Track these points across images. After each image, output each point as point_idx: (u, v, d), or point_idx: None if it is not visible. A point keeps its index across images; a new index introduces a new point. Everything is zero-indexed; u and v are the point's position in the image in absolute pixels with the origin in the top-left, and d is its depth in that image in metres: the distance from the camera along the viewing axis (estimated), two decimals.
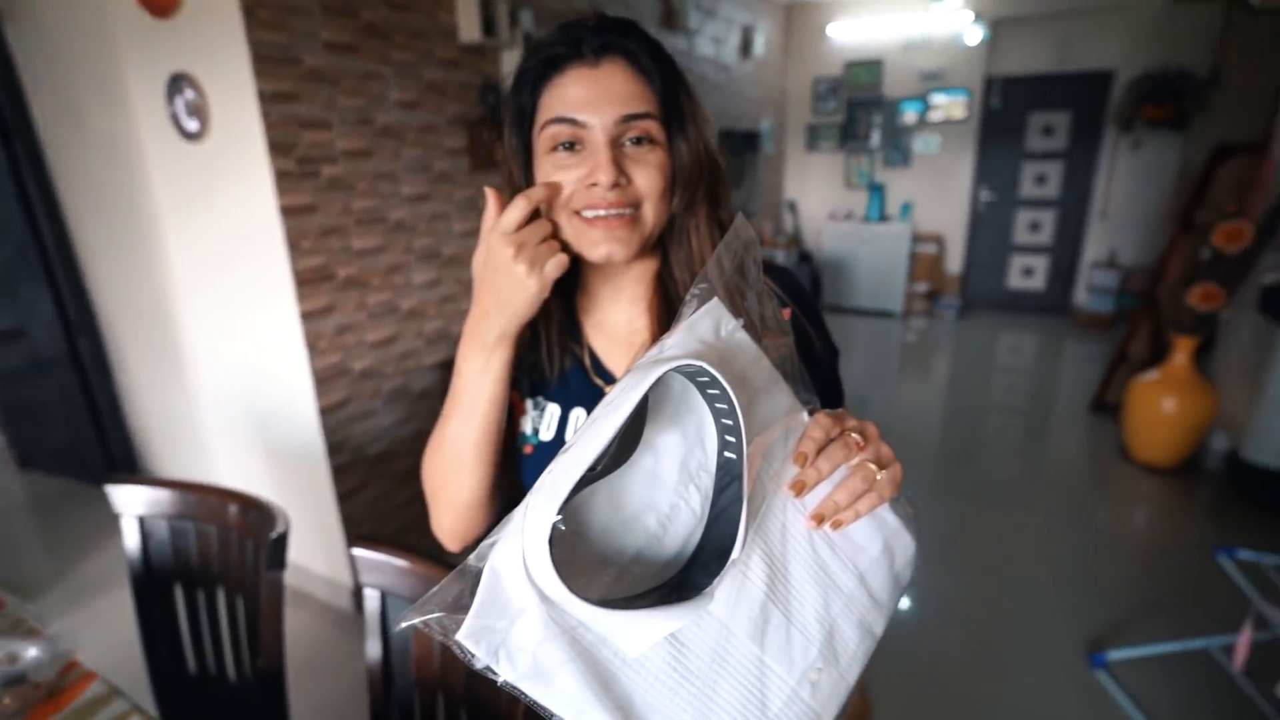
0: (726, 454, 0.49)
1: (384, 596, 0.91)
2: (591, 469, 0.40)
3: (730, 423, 0.46)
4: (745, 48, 4.81)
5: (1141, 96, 4.75)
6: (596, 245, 0.63)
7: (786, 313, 0.71)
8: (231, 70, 1.70)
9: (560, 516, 0.39)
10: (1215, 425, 2.88)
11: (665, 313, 0.70)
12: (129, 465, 3.04)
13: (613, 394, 0.44)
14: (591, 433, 0.42)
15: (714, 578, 0.45)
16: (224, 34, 1.67)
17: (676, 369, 0.44)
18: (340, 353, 2.01)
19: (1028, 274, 5.70)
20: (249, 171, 1.79)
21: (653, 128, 0.63)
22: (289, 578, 2.01)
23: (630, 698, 0.40)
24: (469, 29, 2.23)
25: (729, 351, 0.51)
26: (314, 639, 2.08)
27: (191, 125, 1.83)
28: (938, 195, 5.70)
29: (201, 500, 1.11)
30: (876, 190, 5.73)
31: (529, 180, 0.67)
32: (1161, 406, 2.86)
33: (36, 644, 0.90)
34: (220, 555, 1.12)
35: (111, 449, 3.01)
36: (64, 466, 3.17)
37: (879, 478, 0.50)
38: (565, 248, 0.65)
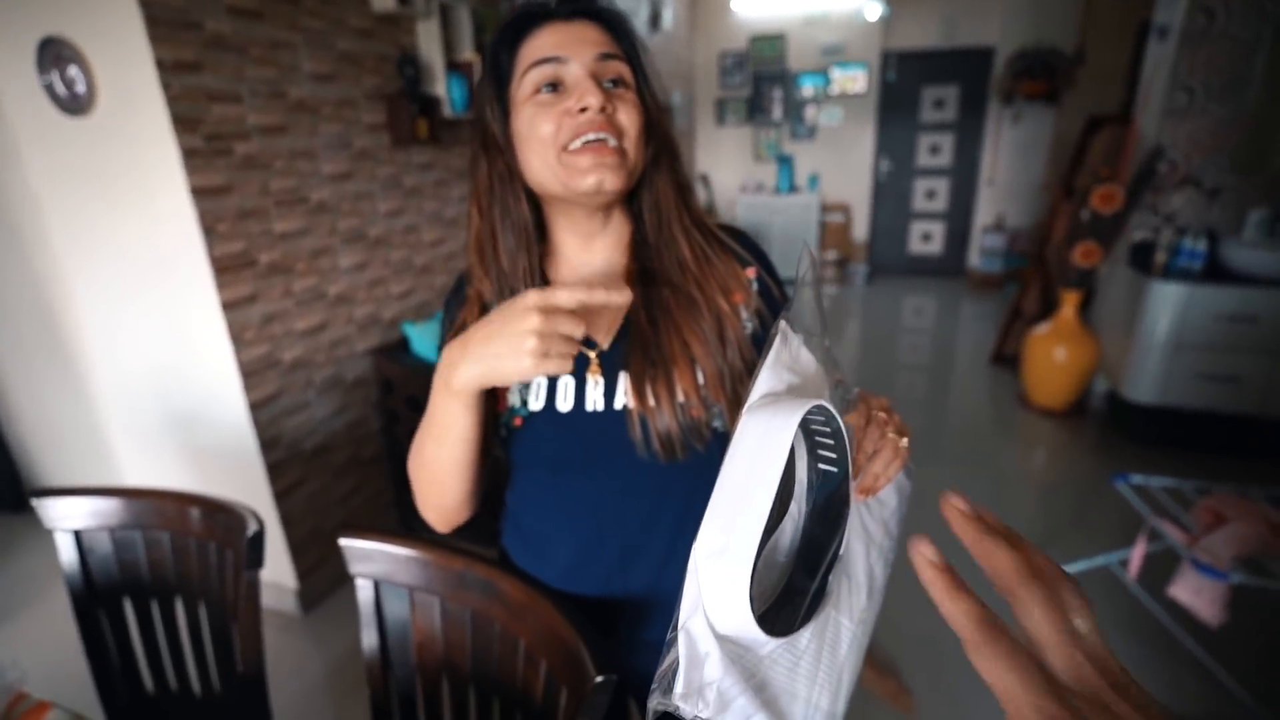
0: (822, 467, 0.52)
1: (377, 584, 0.89)
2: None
3: (829, 440, 0.50)
4: (654, 20, 4.81)
5: (1019, 72, 5.15)
6: (587, 174, 0.64)
7: (751, 271, 0.75)
8: (120, 34, 1.53)
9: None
10: (1098, 370, 3.22)
11: (641, 272, 0.72)
12: (10, 480, 2.73)
13: (744, 446, 0.45)
14: (749, 492, 0.42)
15: (815, 576, 0.49)
16: None
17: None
18: (268, 343, 1.89)
19: (926, 239, 6.09)
20: (149, 149, 1.63)
21: (625, 72, 0.67)
22: None
23: (766, 685, 0.44)
24: None
25: (803, 368, 0.54)
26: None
27: (72, 97, 1.63)
28: (842, 166, 5.96)
29: (156, 507, 1.02)
30: (785, 163, 5.92)
31: (508, 138, 0.68)
32: (1054, 356, 3.16)
33: None
34: (177, 563, 1.04)
35: None
36: None
37: (901, 445, 0.57)
38: (538, 212, 0.72)
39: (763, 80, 5.92)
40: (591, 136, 0.63)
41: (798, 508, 0.54)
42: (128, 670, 1.09)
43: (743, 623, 0.40)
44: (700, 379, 0.69)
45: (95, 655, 1.06)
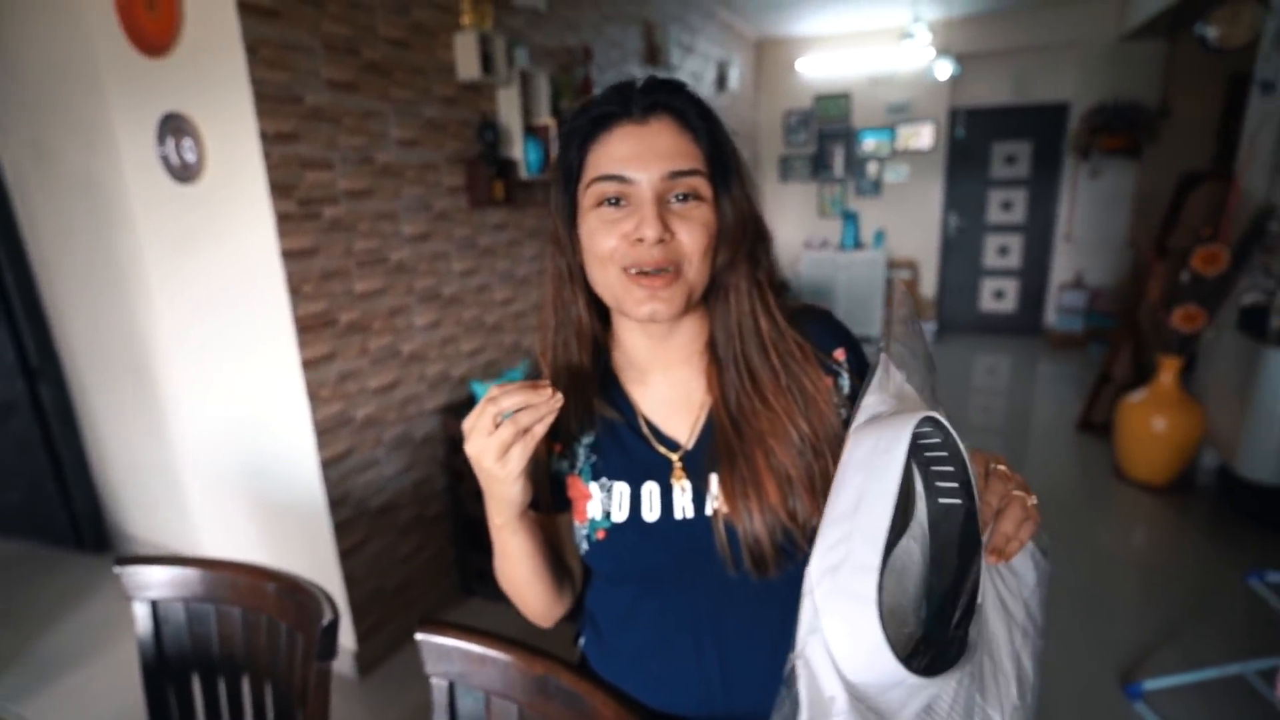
0: (943, 500, 0.49)
1: (452, 686, 0.83)
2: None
3: (947, 466, 0.47)
4: (721, 82, 4.90)
5: (1097, 127, 4.98)
6: (641, 304, 0.62)
7: (840, 353, 0.71)
8: (231, 110, 1.62)
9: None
10: (1204, 442, 2.95)
11: (717, 373, 0.68)
12: (95, 525, 2.83)
13: (854, 460, 0.43)
14: (866, 504, 0.40)
15: (950, 627, 0.45)
16: (223, 73, 1.59)
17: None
18: (342, 401, 1.91)
19: (999, 296, 5.86)
20: (248, 214, 1.70)
21: (699, 184, 0.62)
22: None
23: None
24: (467, 66, 2.19)
25: (907, 399, 0.51)
26: None
27: (183, 166, 1.73)
28: (909, 222, 5.84)
29: (231, 580, 1.00)
30: (850, 219, 5.85)
31: (573, 237, 0.67)
32: (1151, 425, 2.92)
33: None
34: (247, 640, 1.01)
35: (75, 507, 2.80)
36: (23, 528, 2.93)
37: (1029, 504, 0.52)
38: (603, 314, 0.71)
39: (827, 137, 5.92)
40: (649, 269, 0.61)
41: (920, 546, 0.50)
42: None
43: (871, 647, 0.35)
44: (789, 483, 0.63)
45: None
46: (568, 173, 0.65)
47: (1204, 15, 3.05)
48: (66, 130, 2.11)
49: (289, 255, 1.71)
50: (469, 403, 2.36)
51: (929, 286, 5.91)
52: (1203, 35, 3.00)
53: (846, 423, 0.65)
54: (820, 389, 0.67)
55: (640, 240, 0.60)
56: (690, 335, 0.70)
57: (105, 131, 1.89)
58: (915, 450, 0.49)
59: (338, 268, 1.85)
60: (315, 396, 1.83)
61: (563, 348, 0.71)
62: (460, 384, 2.37)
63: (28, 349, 2.62)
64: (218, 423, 2.04)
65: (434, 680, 0.83)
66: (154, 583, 1.02)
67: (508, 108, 2.40)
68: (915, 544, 0.49)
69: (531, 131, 2.49)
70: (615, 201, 0.61)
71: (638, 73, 2.71)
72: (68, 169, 2.16)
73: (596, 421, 0.72)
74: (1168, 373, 2.92)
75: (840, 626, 0.37)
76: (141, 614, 1.02)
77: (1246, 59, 3.02)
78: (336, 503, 1.93)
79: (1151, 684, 1.80)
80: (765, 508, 0.62)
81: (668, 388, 0.72)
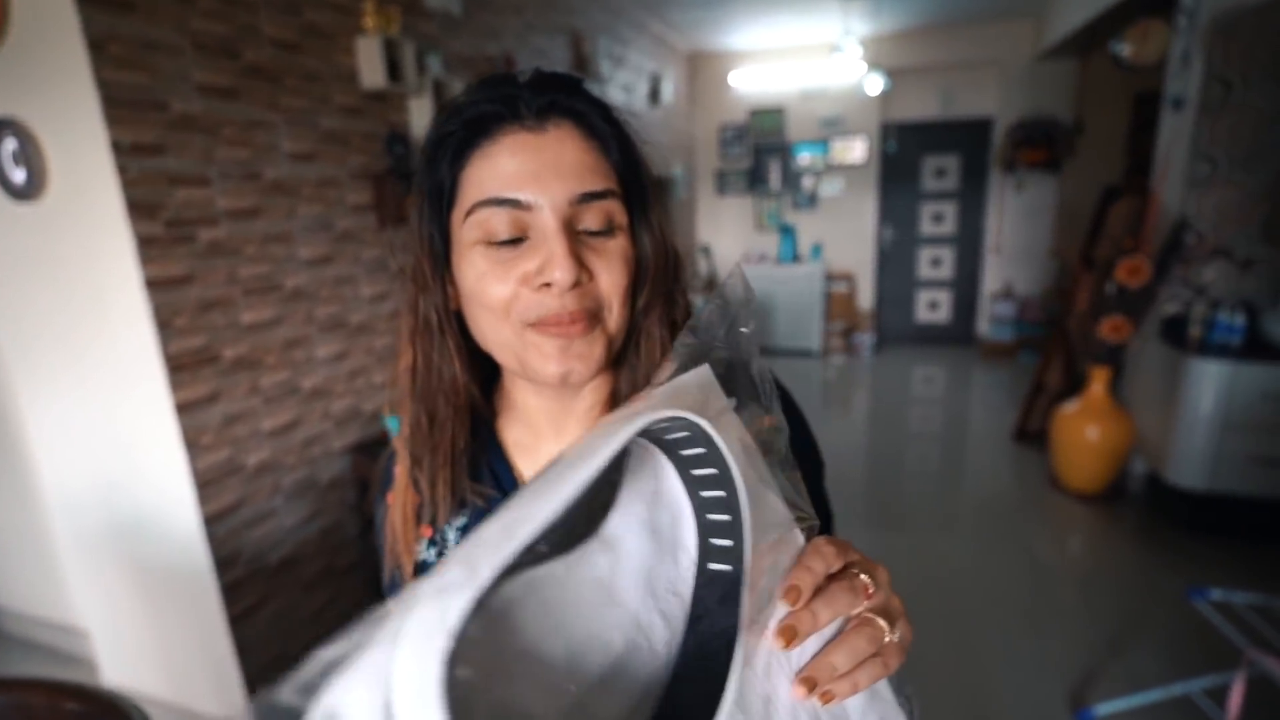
0: (713, 566, 0.35)
1: None
2: (532, 548, 0.25)
3: (727, 518, 0.33)
4: (654, 95, 4.83)
5: (1019, 141, 5.15)
6: (548, 362, 0.47)
7: (768, 420, 0.56)
8: (74, 116, 1.40)
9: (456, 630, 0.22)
10: (1135, 450, 3.00)
11: None
12: None
13: (567, 454, 0.29)
14: (532, 500, 0.25)
15: None
16: (63, 73, 1.37)
17: (658, 432, 0.30)
18: (229, 447, 1.68)
19: (933, 307, 5.97)
20: (101, 237, 1.47)
21: (614, 209, 0.48)
22: None
23: None
24: (371, 73, 2.01)
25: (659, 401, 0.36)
26: None
27: (20, 180, 1.49)
28: (845, 235, 5.90)
29: (21, 702, 0.79)
30: (788, 232, 5.86)
31: (444, 281, 0.50)
32: (1085, 435, 2.95)
33: None
34: None
35: None
36: None
37: (887, 640, 0.36)
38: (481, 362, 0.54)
39: (763, 151, 5.93)
40: (560, 317, 0.46)
41: (667, 631, 0.35)
42: None
43: (426, 700, 0.20)
44: None
45: None
46: (435, 195, 0.49)
47: (1116, 34, 3.15)
48: None
49: (155, 285, 1.49)
50: (382, 440, 2.15)
51: (866, 299, 5.98)
52: (1117, 53, 3.09)
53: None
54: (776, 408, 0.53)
55: (547, 285, 0.45)
56: (596, 395, 0.56)
57: None
58: (691, 489, 0.35)
59: (219, 297, 1.63)
60: (194, 444, 1.60)
61: (427, 421, 0.54)
62: (372, 419, 2.16)
63: None
64: (82, 477, 1.77)
65: None
66: None
67: (420, 119, 2.22)
68: (661, 620, 0.34)
69: None
70: (512, 241, 0.46)
71: None
72: None
73: (469, 501, 0.56)
74: (1098, 383, 2.95)
75: (406, 668, 0.21)
76: None
77: (1153, 77, 3.13)
78: (225, 562, 1.70)
79: (1103, 708, 1.75)
80: None
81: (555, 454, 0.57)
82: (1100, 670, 1.98)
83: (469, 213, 0.47)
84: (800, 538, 0.38)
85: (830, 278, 5.89)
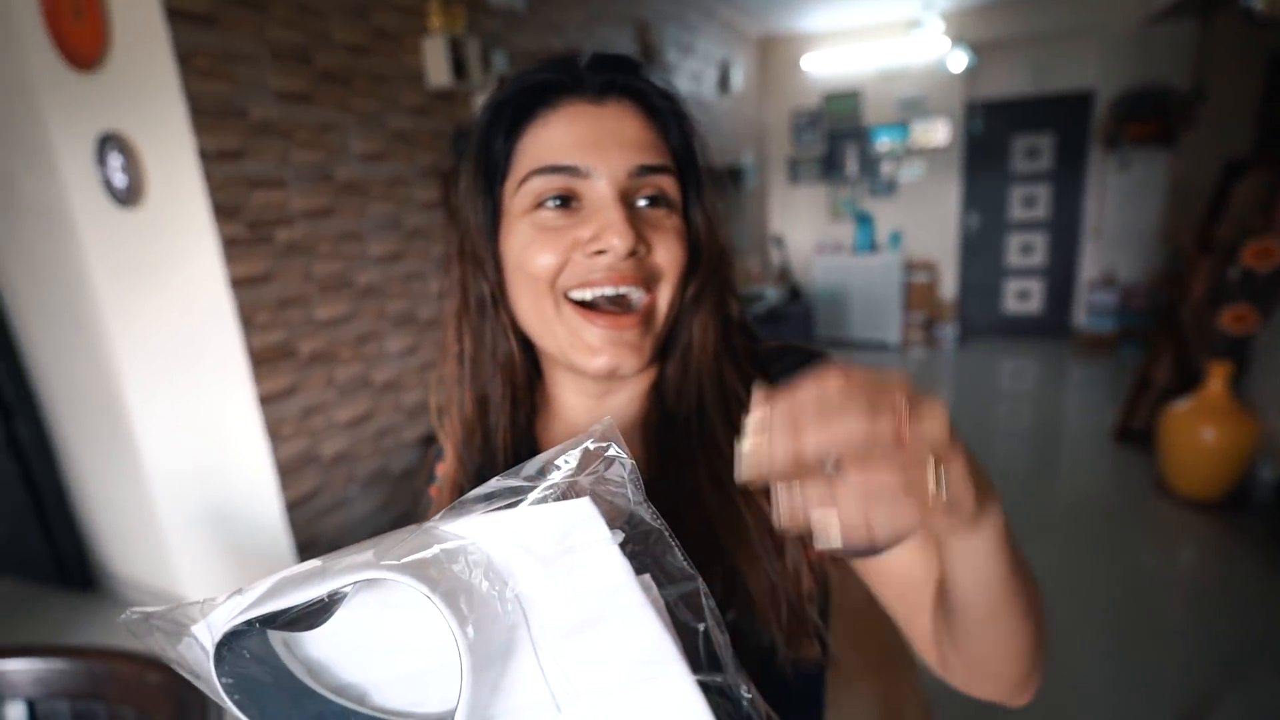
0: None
1: None
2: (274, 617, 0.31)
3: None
4: (723, 82, 4.73)
5: (1124, 115, 4.72)
6: (596, 353, 0.45)
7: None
8: (168, 127, 1.49)
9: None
10: (1261, 454, 2.70)
11: (662, 436, 0.49)
12: (79, 562, 2.73)
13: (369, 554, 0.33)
14: (305, 581, 0.32)
15: None
16: (156, 87, 1.46)
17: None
18: (307, 438, 1.76)
19: (1023, 297, 5.59)
20: (192, 239, 1.57)
21: (669, 186, 0.46)
22: None
23: None
24: (437, 73, 2.05)
25: (573, 567, 0.33)
26: None
27: (124, 190, 1.60)
28: (926, 222, 5.61)
29: (111, 671, 0.85)
30: (864, 221, 5.63)
31: (495, 256, 0.48)
32: (1200, 436, 2.67)
33: None
34: None
35: (59, 545, 2.69)
36: (5, 565, 2.84)
37: (930, 490, 0.26)
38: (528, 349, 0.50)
39: (838, 137, 5.72)
40: (610, 291, 0.44)
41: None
42: None
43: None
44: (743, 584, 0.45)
45: None
46: (490, 168, 0.48)
47: None
48: (16, 153, 2.00)
49: (238, 283, 1.57)
50: None
51: (949, 288, 5.67)
52: (1249, 6, 2.76)
53: None
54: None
55: (601, 253, 0.43)
56: (636, 392, 0.53)
57: (45, 153, 1.78)
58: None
59: (296, 294, 1.71)
60: (276, 434, 1.69)
61: (478, 409, 0.52)
62: None
63: (3, 387, 2.52)
64: (185, 462, 1.91)
65: None
66: (24, 681, 0.87)
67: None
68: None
69: None
70: (563, 202, 0.45)
71: None
72: (20, 193, 2.06)
73: None
74: (1217, 379, 2.67)
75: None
76: (14, 718, 0.87)
77: None
78: (304, 546, 1.79)
79: None
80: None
81: None
82: (1216, 697, 1.79)
83: (522, 181, 0.45)
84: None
85: (910, 267, 5.62)
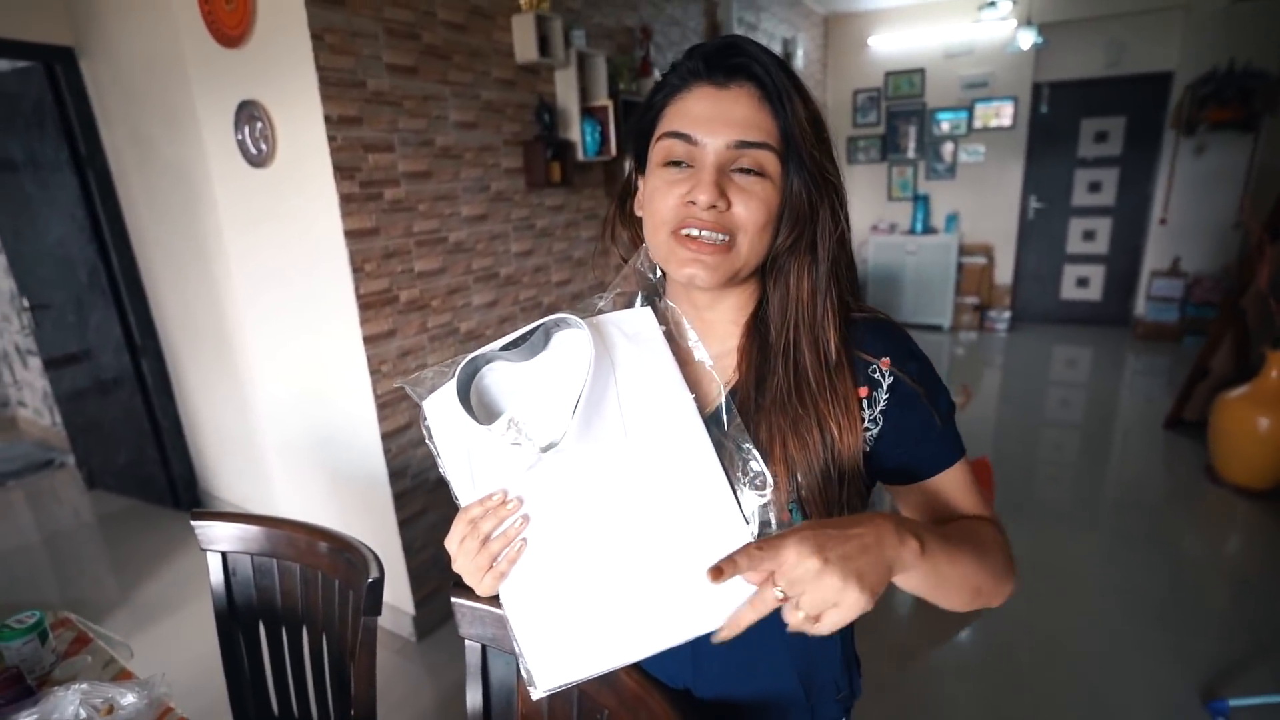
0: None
1: (484, 649, 0.85)
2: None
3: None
4: (787, 61, 4.76)
5: (1205, 97, 4.56)
6: (683, 265, 0.61)
7: (886, 362, 0.63)
8: (298, 96, 1.70)
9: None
10: None
11: (758, 357, 0.65)
12: (189, 486, 3.07)
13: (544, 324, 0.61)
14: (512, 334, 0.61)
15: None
16: (292, 61, 1.67)
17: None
18: (402, 376, 1.98)
19: (1083, 284, 5.50)
20: (314, 196, 1.78)
21: (765, 159, 0.60)
22: None
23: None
24: (524, 49, 2.21)
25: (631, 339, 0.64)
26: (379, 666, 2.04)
27: (258, 151, 1.83)
28: (985, 205, 5.54)
29: (290, 538, 1.07)
30: (921, 202, 5.60)
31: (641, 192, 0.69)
32: (1254, 424, 2.68)
33: (133, 689, 0.86)
34: (305, 594, 1.08)
35: (172, 470, 3.04)
36: (129, 486, 3.21)
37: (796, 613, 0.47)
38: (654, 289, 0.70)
39: (897, 117, 5.68)
40: (694, 232, 0.60)
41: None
42: (257, 692, 1.13)
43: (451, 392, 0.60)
44: (797, 485, 0.60)
45: (231, 673, 1.12)
46: (644, 124, 0.65)
47: None
48: (159, 120, 2.26)
49: (351, 235, 1.79)
50: None
51: (1005, 273, 5.61)
52: None
53: (869, 447, 0.63)
54: (851, 398, 0.62)
55: (692, 203, 0.59)
56: (731, 313, 0.68)
57: (191, 120, 2.02)
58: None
59: (398, 247, 1.92)
60: (376, 371, 1.91)
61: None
62: None
63: (131, 326, 2.85)
64: (289, 394, 2.16)
65: (468, 643, 0.86)
66: (223, 537, 1.10)
67: (565, 89, 2.41)
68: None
69: (588, 113, 2.49)
70: (680, 163, 0.60)
71: None
72: (160, 156, 2.33)
73: None
74: (1275, 368, 2.67)
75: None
76: (214, 564, 1.10)
77: None
78: (396, 474, 2.02)
79: (1237, 702, 1.68)
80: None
81: (700, 362, 0.70)
82: (1242, 667, 1.87)
83: (658, 139, 0.62)
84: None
85: (965, 250, 5.58)
